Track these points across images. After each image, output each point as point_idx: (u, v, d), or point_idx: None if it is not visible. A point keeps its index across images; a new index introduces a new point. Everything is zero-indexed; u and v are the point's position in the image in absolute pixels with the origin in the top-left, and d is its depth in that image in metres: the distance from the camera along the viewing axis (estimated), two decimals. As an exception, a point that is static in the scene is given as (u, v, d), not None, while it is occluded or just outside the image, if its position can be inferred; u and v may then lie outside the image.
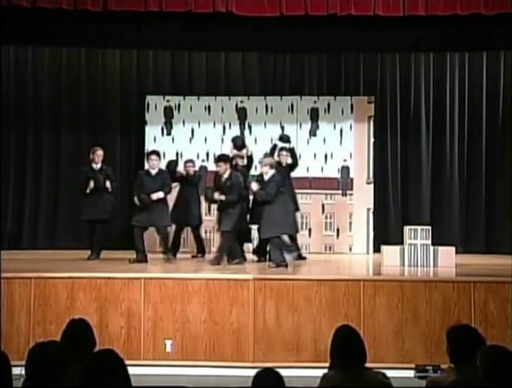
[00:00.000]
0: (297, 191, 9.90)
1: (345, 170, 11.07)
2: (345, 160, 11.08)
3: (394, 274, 8.04)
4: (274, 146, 9.56)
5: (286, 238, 8.67)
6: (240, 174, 8.95)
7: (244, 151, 9.43)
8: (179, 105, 11.22)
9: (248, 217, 9.15)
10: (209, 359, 7.16)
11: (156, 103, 11.22)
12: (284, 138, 9.68)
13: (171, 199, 9.55)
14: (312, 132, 11.14)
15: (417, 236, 8.79)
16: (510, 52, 11.02)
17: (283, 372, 3.52)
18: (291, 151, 9.50)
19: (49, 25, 10.20)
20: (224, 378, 6.78)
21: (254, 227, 9.41)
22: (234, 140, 9.59)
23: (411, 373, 6.92)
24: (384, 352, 7.07)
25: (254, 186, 8.63)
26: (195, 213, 9.76)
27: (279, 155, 9.39)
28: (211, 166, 10.86)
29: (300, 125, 11.15)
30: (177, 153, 11.08)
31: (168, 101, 11.24)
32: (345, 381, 3.85)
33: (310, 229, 10.92)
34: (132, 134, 11.46)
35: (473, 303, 7.15)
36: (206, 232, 10.84)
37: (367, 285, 7.24)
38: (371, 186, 11.11)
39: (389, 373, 4.08)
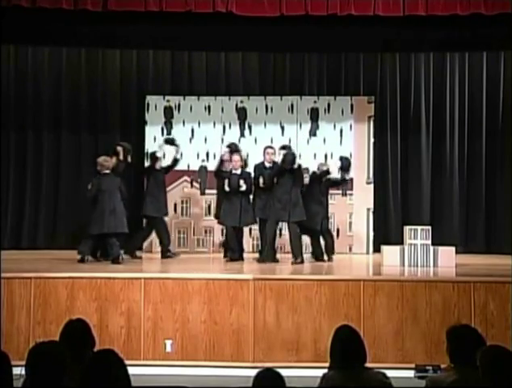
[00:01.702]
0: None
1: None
2: (345, 160, 11.07)
3: (394, 274, 8.04)
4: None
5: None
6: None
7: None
8: (179, 105, 11.21)
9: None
10: (209, 359, 7.16)
11: (156, 103, 11.21)
12: (285, 147, 9.59)
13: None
14: (312, 132, 11.14)
15: (417, 236, 8.80)
16: (510, 52, 11.02)
17: (283, 372, 3.53)
18: (287, 156, 9.23)
19: (49, 25, 10.20)
20: (224, 378, 6.78)
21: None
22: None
23: (411, 373, 6.93)
24: (384, 352, 7.07)
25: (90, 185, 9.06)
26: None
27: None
28: (212, 167, 10.90)
29: (300, 125, 11.14)
30: (177, 153, 11.08)
31: (168, 101, 11.23)
32: (345, 381, 3.85)
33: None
34: (132, 134, 11.43)
35: (473, 303, 7.16)
36: (206, 232, 10.88)
37: (367, 285, 7.25)
38: (371, 186, 11.11)
39: (389, 373, 4.09)
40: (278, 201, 9.06)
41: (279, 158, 9.31)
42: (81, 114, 11.41)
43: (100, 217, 8.86)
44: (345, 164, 9.61)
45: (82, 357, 3.72)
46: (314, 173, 9.60)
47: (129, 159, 9.60)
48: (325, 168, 9.61)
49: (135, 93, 11.48)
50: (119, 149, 9.50)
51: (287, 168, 9.05)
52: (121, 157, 9.47)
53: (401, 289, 7.22)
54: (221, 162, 9.81)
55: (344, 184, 10.12)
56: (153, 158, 9.94)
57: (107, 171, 9.10)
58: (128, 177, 10.77)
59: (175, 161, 10.04)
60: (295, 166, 9.11)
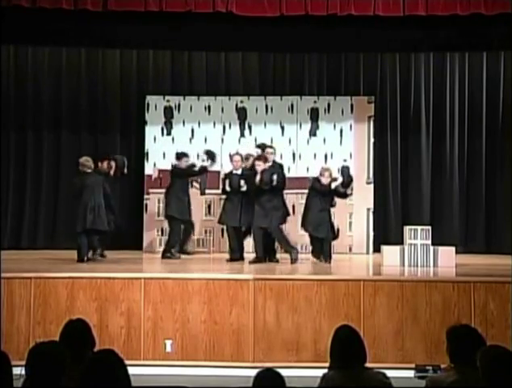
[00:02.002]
0: (297, 190, 9.91)
1: (345, 170, 11.05)
2: (345, 160, 11.07)
3: (394, 274, 8.04)
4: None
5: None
6: None
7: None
8: (179, 105, 11.21)
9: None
10: (209, 359, 7.16)
11: (156, 103, 11.21)
12: (260, 157, 9.47)
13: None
14: (312, 132, 11.14)
15: (417, 236, 8.80)
16: (510, 52, 11.02)
17: (283, 372, 3.53)
18: (264, 176, 9.22)
19: (49, 25, 10.20)
20: (224, 378, 6.78)
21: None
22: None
23: (411, 373, 6.92)
24: (384, 352, 7.07)
25: None
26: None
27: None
28: (211, 167, 10.89)
29: (300, 125, 11.14)
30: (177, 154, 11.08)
31: (168, 101, 11.23)
32: (345, 381, 3.85)
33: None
34: (132, 134, 11.45)
35: (473, 303, 7.15)
36: (206, 232, 10.87)
37: (367, 285, 7.24)
38: (371, 186, 11.11)
39: (389, 373, 4.08)
40: (262, 208, 9.04)
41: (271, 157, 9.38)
42: (81, 114, 11.41)
43: (82, 214, 8.99)
44: (347, 181, 9.55)
45: (82, 357, 3.71)
46: (318, 181, 9.41)
47: (125, 171, 9.66)
48: (329, 182, 9.36)
49: (135, 93, 11.48)
50: (112, 163, 9.56)
51: (264, 188, 9.03)
52: (112, 172, 9.53)
53: (401, 289, 7.22)
54: (254, 161, 9.71)
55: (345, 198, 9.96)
56: (189, 164, 10.00)
57: (89, 171, 9.21)
58: (128, 182, 10.81)
59: (204, 169, 10.00)
60: (274, 183, 9.03)
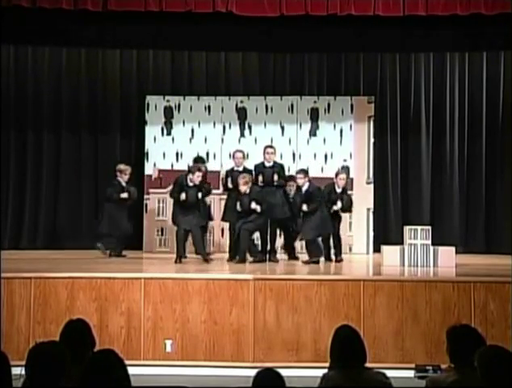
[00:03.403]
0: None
1: (345, 170, 11.05)
2: (345, 160, 11.07)
3: (394, 274, 8.04)
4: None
5: None
6: None
7: None
8: (179, 105, 11.20)
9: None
10: (209, 359, 7.16)
11: (156, 103, 11.21)
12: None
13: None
14: (312, 132, 11.14)
15: (417, 236, 8.80)
16: (510, 52, 11.02)
17: (283, 372, 3.53)
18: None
19: (49, 25, 10.22)
20: (224, 378, 6.78)
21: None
22: None
23: (411, 373, 6.92)
24: (384, 352, 7.07)
25: None
26: None
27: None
28: (212, 167, 10.90)
29: (300, 125, 11.14)
30: (177, 154, 11.09)
31: (168, 101, 11.22)
32: (345, 381, 3.85)
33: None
34: (132, 134, 11.45)
35: (473, 303, 7.16)
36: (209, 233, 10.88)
37: (367, 285, 7.24)
38: (371, 186, 11.11)
39: (389, 373, 4.08)
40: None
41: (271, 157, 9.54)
42: (81, 114, 11.40)
43: None
44: (346, 205, 9.52)
45: (82, 357, 3.71)
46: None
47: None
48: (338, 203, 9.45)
49: (135, 93, 11.47)
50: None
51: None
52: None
53: (401, 289, 7.22)
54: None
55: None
56: None
57: None
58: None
59: None
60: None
